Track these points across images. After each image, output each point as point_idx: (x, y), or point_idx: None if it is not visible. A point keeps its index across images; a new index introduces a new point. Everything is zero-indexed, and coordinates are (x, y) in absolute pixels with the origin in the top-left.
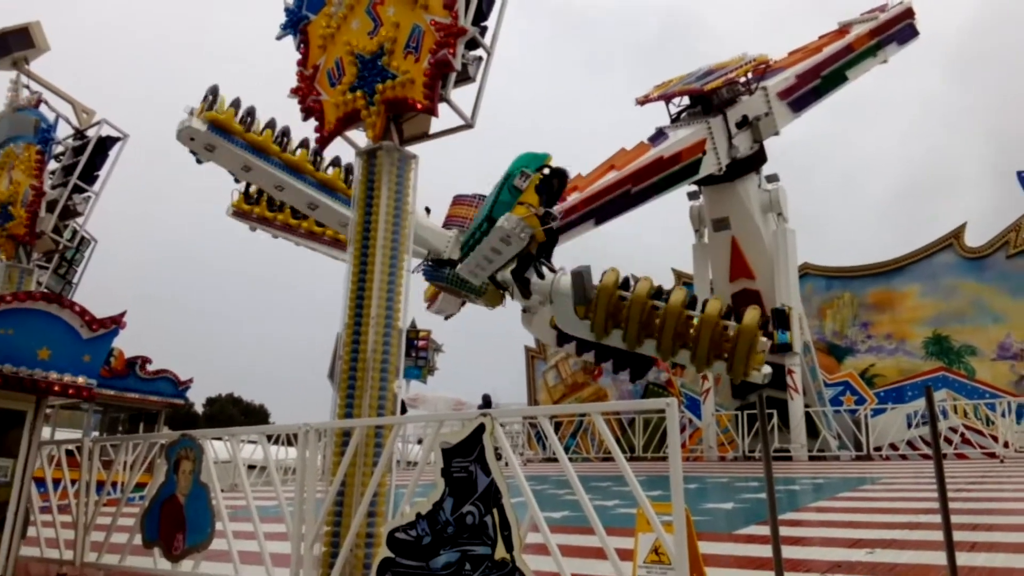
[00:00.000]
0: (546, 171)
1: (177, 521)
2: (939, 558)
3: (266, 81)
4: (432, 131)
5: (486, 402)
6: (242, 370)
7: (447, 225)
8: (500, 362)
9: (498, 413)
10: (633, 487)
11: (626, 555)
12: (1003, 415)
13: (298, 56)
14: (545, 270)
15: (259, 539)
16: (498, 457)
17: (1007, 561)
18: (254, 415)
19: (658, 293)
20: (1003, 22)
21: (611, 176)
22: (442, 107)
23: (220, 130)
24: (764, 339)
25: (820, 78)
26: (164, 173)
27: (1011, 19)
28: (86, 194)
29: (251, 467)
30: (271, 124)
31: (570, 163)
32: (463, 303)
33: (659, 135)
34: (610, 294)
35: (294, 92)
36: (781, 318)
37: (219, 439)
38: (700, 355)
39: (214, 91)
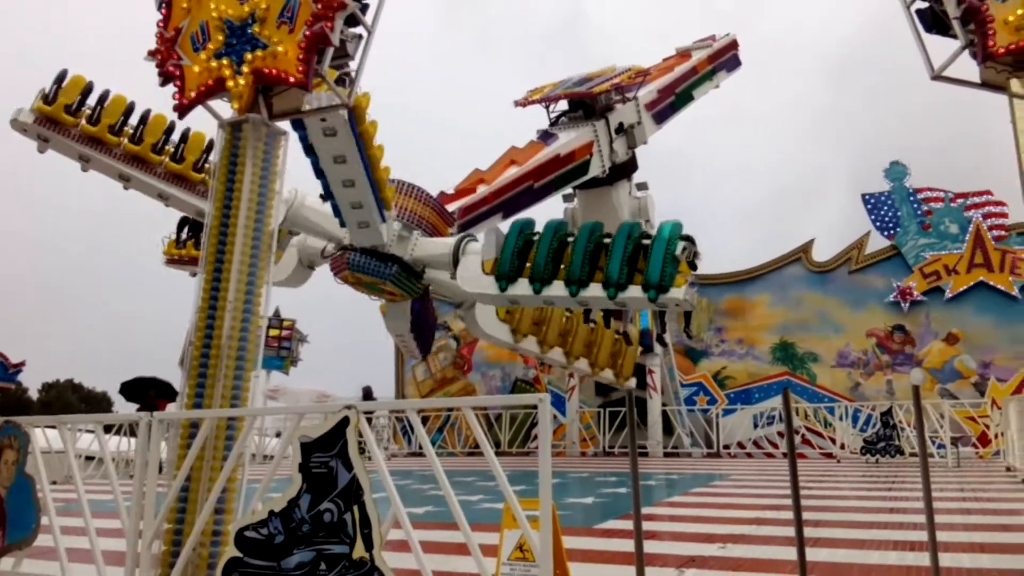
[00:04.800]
0: (687, 244)
1: None
2: (787, 552)
3: (123, 41)
4: (305, 108)
5: (367, 394)
6: (85, 354)
7: None
8: (368, 355)
9: (363, 406)
10: (501, 483)
11: (490, 551)
12: (840, 419)
13: (159, 17)
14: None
15: (90, 535)
16: (362, 451)
17: (847, 556)
18: (96, 403)
19: None
20: (881, 39)
21: (513, 171)
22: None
23: (51, 122)
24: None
25: (675, 95)
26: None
27: (889, 37)
28: None
29: (90, 459)
30: (129, 112)
31: (454, 146)
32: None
33: (548, 135)
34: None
35: (151, 54)
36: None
37: (52, 427)
38: (599, 363)
39: (60, 77)
